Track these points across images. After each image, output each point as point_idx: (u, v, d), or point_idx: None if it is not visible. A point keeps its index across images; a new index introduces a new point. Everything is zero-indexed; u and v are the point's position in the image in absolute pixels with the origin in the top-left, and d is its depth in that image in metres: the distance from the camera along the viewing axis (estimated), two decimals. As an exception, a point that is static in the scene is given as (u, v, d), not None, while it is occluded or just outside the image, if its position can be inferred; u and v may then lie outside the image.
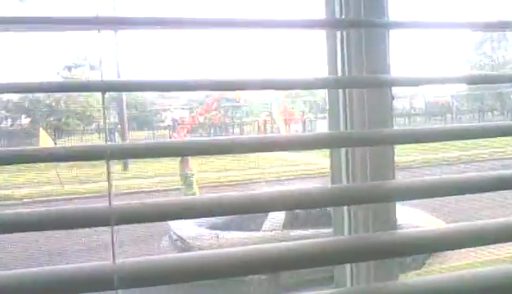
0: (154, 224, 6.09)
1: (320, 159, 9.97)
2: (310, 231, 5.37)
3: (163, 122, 16.36)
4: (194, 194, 6.19)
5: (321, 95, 19.45)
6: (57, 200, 7.66)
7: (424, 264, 6.11)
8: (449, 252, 6.51)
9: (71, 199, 7.61)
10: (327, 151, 0.92)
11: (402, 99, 18.92)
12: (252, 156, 9.73)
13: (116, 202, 0.74)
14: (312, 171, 9.54)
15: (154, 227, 6.13)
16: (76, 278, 0.68)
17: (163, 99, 16.09)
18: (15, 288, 0.65)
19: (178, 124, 14.90)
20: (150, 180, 8.63)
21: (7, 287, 0.65)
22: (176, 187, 8.01)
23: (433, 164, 9.63)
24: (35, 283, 0.66)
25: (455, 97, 18.16)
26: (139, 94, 15.01)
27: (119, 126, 12.23)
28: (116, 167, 10.12)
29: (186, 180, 6.75)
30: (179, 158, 7.53)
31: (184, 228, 5.47)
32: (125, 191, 8.21)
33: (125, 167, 10.38)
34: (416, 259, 6.01)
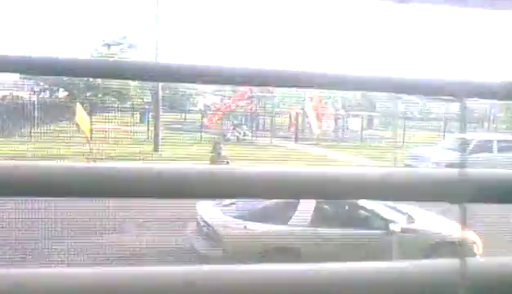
0: (181, 208, 6.13)
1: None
2: (338, 231, 5.33)
3: (195, 105, 16.45)
4: None
5: (357, 92, 19.22)
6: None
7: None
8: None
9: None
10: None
11: (438, 103, 18.52)
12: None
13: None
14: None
15: (179, 210, 6.16)
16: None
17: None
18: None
19: (210, 110, 14.95)
20: (181, 163, 8.70)
21: None
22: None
23: None
24: None
25: (494, 105, 17.69)
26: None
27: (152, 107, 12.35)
28: (147, 147, 10.24)
29: None
30: (210, 148, 7.54)
31: (211, 215, 5.49)
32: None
33: (156, 148, 10.50)
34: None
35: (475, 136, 10.98)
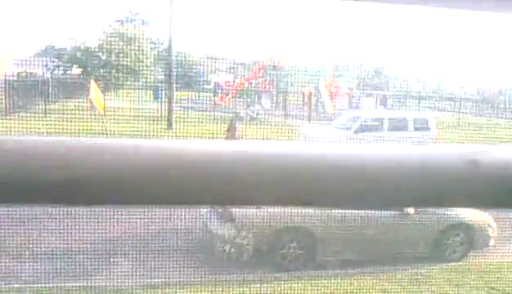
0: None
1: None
2: (351, 211, 5.33)
3: (208, 84, 16.40)
4: None
5: (370, 71, 19.01)
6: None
7: (464, 256, 5.99)
8: (491, 248, 6.35)
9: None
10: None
11: (452, 83, 18.28)
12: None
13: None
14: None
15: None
16: None
17: (209, 59, 16.06)
18: None
19: (221, 88, 14.90)
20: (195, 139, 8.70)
21: None
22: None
23: None
24: None
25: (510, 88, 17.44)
26: (188, 53, 15.05)
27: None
28: (160, 125, 10.26)
29: None
30: (226, 127, 7.49)
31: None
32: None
33: (169, 126, 10.53)
34: (456, 250, 5.90)
35: (364, 114, 10.62)
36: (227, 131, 7.18)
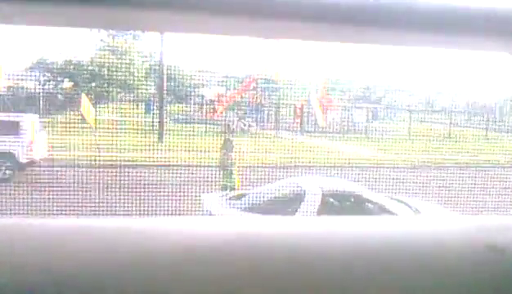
0: (187, 199, 6.13)
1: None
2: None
3: (200, 97, 16.40)
4: (233, 185, 6.15)
5: (360, 84, 19.14)
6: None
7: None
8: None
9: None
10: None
11: (444, 95, 18.42)
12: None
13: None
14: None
15: (184, 203, 6.16)
16: None
17: (201, 72, 16.07)
18: None
19: (213, 101, 14.89)
20: (184, 154, 8.68)
21: None
22: (209, 162, 8.04)
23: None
24: None
25: (501, 100, 17.59)
26: (179, 66, 15.04)
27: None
28: (151, 138, 10.23)
29: (226, 170, 6.65)
30: (220, 144, 7.46)
31: (217, 207, 5.48)
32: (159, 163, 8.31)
33: (160, 139, 10.49)
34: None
35: None
36: (222, 148, 7.12)
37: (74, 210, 6.23)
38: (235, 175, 6.67)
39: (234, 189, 6.09)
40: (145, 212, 6.17)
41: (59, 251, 0.50)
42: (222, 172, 6.76)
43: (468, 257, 0.50)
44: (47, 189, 6.60)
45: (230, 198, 5.74)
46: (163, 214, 6.06)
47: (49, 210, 6.10)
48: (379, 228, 0.53)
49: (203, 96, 16.42)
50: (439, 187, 7.30)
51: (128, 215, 6.11)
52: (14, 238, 0.49)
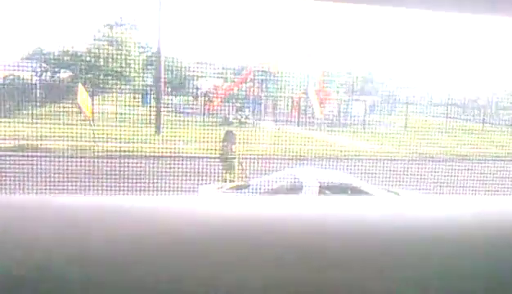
0: (184, 192, 6.14)
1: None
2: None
3: (197, 88, 16.36)
4: (233, 177, 6.10)
5: (358, 76, 19.12)
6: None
7: None
8: None
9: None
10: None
11: (440, 89, 18.43)
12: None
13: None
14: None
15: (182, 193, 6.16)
16: None
17: (199, 64, 16.02)
18: None
19: (210, 93, 14.86)
20: (182, 145, 8.67)
21: None
22: (207, 155, 8.04)
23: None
24: None
25: (497, 94, 17.64)
26: (177, 57, 14.98)
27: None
28: (149, 129, 10.21)
29: (227, 161, 6.56)
30: (219, 135, 7.38)
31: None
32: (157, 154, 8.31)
33: (157, 131, 10.47)
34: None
35: None
36: (223, 141, 7.01)
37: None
38: (236, 167, 6.58)
39: (234, 181, 6.07)
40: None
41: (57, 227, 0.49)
42: (223, 164, 6.71)
43: (478, 241, 0.49)
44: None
45: (227, 190, 5.75)
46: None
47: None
48: (382, 208, 0.53)
49: (200, 87, 16.38)
50: (436, 179, 7.32)
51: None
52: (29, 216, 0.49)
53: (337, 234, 0.48)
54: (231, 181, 6.11)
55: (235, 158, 6.53)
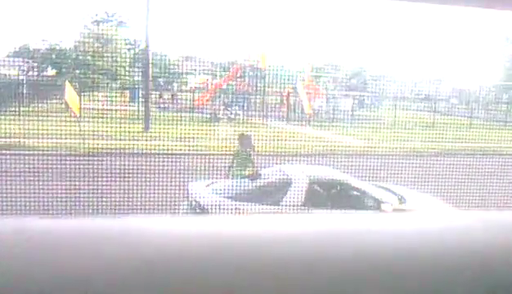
0: (174, 189, 6.11)
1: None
2: (330, 211, 5.34)
3: (185, 85, 16.31)
4: (250, 171, 5.97)
5: (347, 72, 19.17)
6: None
7: None
8: None
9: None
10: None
11: (427, 83, 18.58)
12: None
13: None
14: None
15: (172, 190, 6.13)
16: None
17: (187, 60, 15.99)
18: None
19: (199, 89, 14.81)
20: (170, 142, 8.62)
21: None
22: (196, 151, 8.01)
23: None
24: None
25: (484, 87, 17.81)
26: (165, 53, 14.92)
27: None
28: (137, 126, 10.15)
29: (242, 158, 6.41)
30: (237, 134, 7.21)
31: (203, 195, 5.47)
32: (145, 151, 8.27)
33: (146, 128, 10.42)
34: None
35: None
36: (240, 143, 6.74)
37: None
38: (251, 168, 6.41)
39: (248, 174, 5.98)
40: (132, 204, 6.14)
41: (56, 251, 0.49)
42: (236, 162, 6.59)
43: (472, 256, 0.49)
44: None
45: (215, 186, 5.75)
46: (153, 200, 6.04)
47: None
48: (383, 225, 0.52)
49: (189, 84, 16.34)
50: (423, 174, 7.37)
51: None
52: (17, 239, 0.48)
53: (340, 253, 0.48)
54: (243, 176, 6.00)
55: (250, 156, 6.45)
